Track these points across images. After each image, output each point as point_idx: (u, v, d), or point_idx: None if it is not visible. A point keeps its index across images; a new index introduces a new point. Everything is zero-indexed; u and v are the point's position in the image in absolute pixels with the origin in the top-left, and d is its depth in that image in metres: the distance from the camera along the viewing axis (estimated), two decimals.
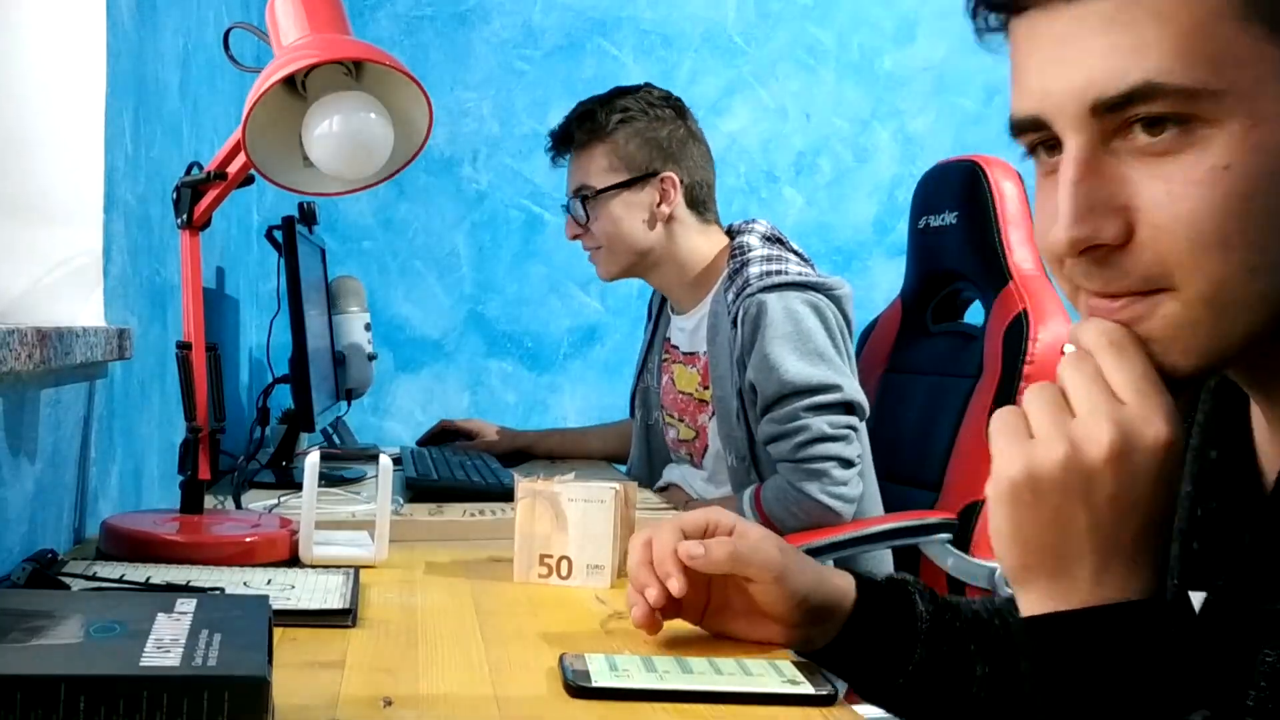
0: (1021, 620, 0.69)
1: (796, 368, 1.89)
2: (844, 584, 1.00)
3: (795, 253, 2.05)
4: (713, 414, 2.07)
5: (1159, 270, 0.66)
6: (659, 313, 2.26)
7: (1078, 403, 0.68)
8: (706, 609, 1.01)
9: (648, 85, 2.14)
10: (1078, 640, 0.67)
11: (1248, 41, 0.63)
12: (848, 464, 1.90)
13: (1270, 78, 0.63)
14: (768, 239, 2.06)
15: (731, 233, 2.12)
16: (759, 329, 1.91)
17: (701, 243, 2.09)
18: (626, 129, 2.06)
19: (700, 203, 2.09)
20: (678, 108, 2.11)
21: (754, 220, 2.12)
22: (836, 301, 1.98)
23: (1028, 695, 0.69)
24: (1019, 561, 0.69)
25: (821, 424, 1.88)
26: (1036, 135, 0.70)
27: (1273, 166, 0.63)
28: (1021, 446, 0.68)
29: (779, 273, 1.96)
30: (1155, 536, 0.68)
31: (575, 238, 2.14)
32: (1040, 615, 0.68)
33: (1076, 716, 0.67)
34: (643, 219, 2.07)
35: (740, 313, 1.95)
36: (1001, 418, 0.70)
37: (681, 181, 2.07)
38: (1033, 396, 0.70)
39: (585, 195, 2.09)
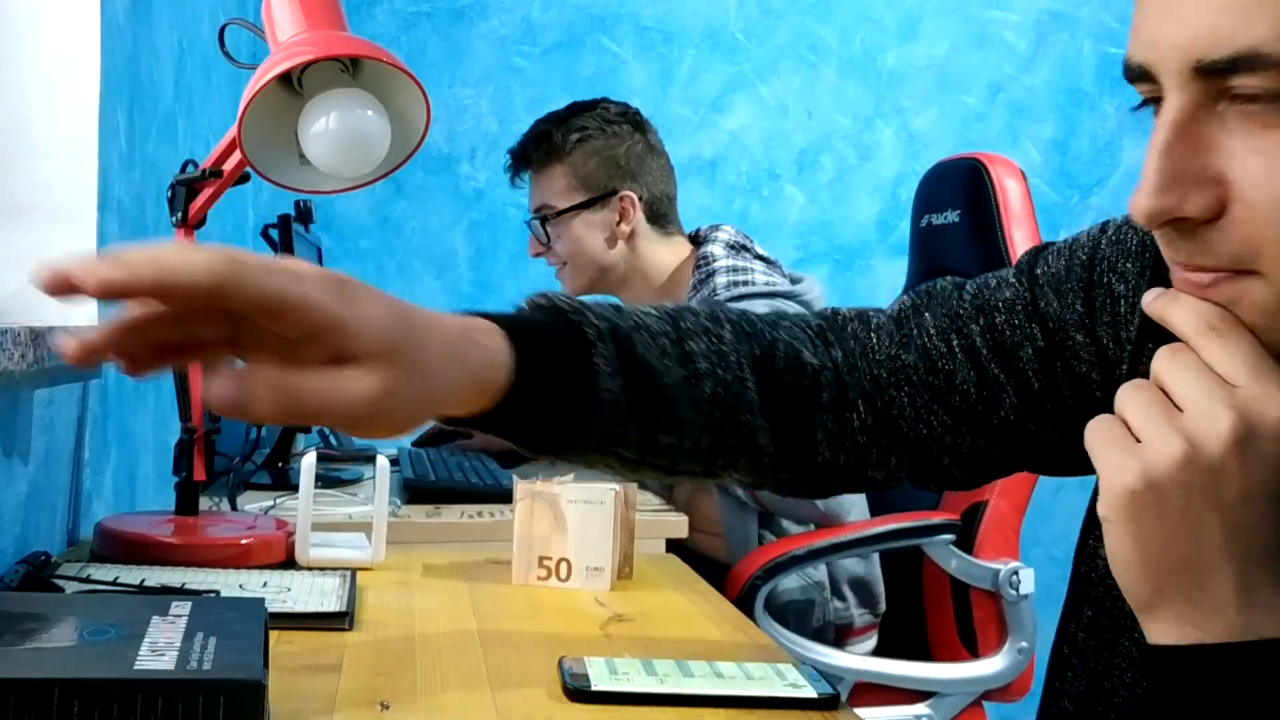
0: (1154, 649, 0.62)
1: None
2: (491, 347, 0.74)
3: (761, 258, 2.06)
4: None
5: (1249, 252, 0.59)
6: None
7: (1184, 395, 0.60)
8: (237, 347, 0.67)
9: (605, 101, 2.15)
10: (1224, 680, 0.59)
11: None
12: None
13: None
14: (732, 247, 2.05)
15: (696, 240, 2.12)
16: None
17: (665, 254, 2.10)
18: (584, 148, 2.08)
19: (661, 216, 2.11)
20: (635, 122, 2.13)
21: (718, 226, 2.12)
22: (806, 305, 1.98)
23: None
24: (1150, 585, 0.61)
25: None
26: (1147, 87, 0.62)
27: None
28: (1131, 453, 0.61)
29: (745, 283, 1.97)
30: None
31: (538, 255, 2.18)
32: (1181, 647, 0.61)
33: None
34: (603, 238, 2.09)
35: None
36: (1098, 426, 0.63)
37: (640, 198, 2.08)
38: (1128, 397, 0.62)
39: (545, 215, 2.11)
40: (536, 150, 2.11)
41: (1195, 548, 0.60)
